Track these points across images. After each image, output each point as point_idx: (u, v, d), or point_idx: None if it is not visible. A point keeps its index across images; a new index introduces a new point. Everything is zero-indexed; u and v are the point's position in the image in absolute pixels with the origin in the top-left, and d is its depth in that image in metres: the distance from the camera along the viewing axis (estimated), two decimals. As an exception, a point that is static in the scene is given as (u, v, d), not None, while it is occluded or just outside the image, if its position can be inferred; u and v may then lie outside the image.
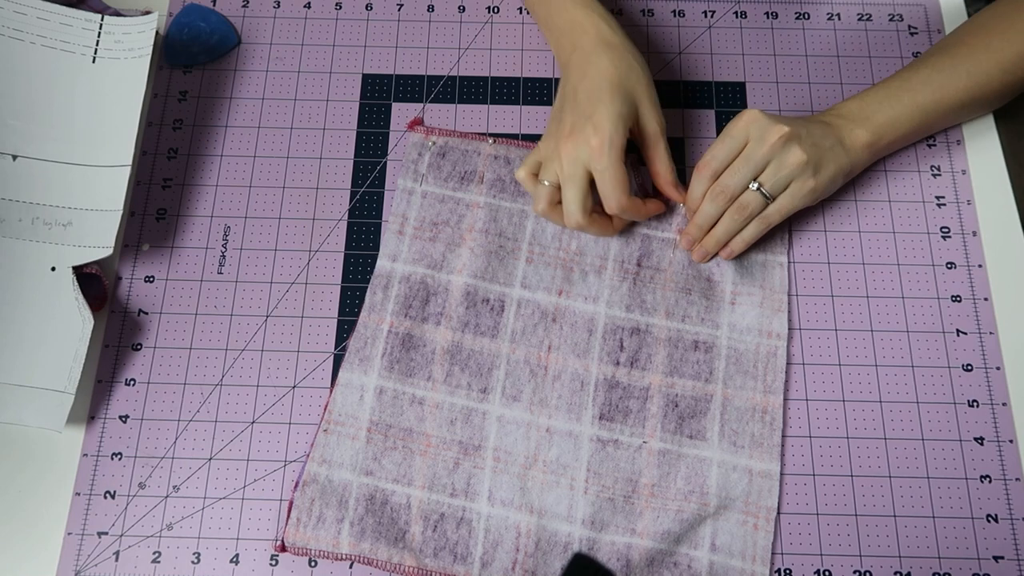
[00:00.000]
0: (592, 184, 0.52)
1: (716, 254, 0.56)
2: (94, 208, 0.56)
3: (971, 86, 0.57)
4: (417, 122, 0.62)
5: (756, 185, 0.53)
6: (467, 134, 0.61)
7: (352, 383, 0.55)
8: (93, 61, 0.60)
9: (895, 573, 0.51)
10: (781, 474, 0.53)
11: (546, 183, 0.53)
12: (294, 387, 0.55)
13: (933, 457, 0.54)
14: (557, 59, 0.60)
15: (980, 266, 0.58)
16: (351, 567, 0.51)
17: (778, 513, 0.52)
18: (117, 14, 0.64)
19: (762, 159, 0.52)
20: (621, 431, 0.53)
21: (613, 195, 0.51)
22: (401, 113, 0.63)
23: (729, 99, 0.63)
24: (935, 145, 0.62)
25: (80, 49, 0.60)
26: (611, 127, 0.50)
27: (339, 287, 0.58)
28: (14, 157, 0.57)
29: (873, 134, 0.55)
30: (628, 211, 0.53)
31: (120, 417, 0.54)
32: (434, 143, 0.61)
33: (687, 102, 0.63)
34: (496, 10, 0.67)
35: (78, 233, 0.56)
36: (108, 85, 0.59)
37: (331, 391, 0.55)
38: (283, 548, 0.51)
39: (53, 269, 0.55)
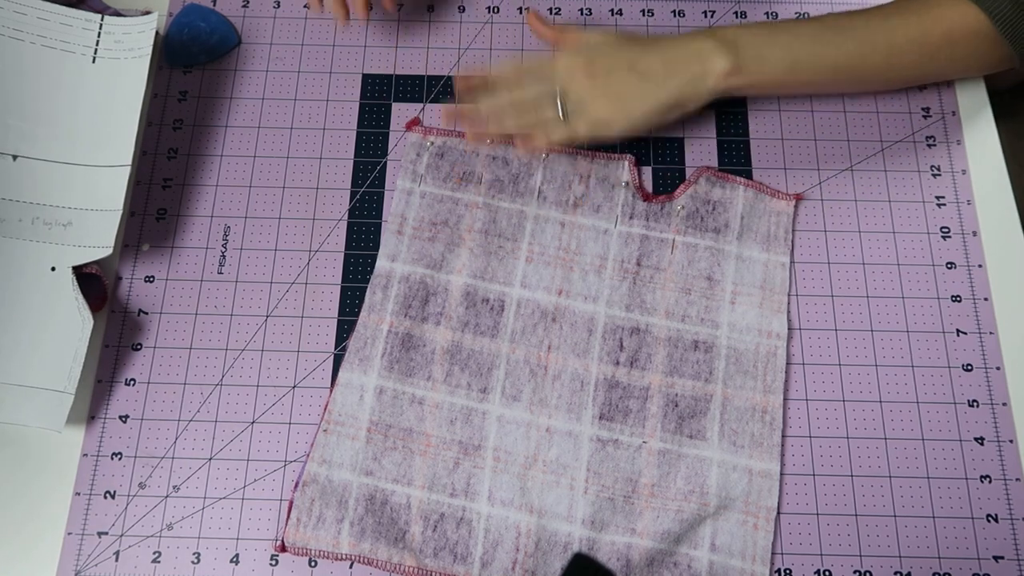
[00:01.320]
0: None
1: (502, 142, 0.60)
2: (94, 208, 0.56)
3: (854, 53, 0.56)
4: (415, 122, 0.62)
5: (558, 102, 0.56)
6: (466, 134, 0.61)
7: (352, 383, 0.55)
8: (93, 61, 0.60)
9: (895, 573, 0.51)
10: (781, 474, 0.53)
11: None
12: (294, 387, 0.55)
13: (933, 457, 0.54)
14: None
15: (980, 266, 0.58)
16: (351, 567, 0.51)
17: (778, 513, 0.52)
18: (117, 14, 0.64)
19: (561, 80, 0.56)
20: (621, 431, 0.53)
21: None
22: (401, 113, 0.63)
23: (729, 98, 0.63)
24: (935, 145, 0.62)
25: (80, 49, 0.60)
26: None
27: (339, 287, 0.58)
28: (14, 157, 0.57)
29: (734, 64, 0.54)
30: None
31: (120, 417, 0.54)
32: (432, 143, 0.61)
33: (687, 102, 0.63)
34: (496, 10, 0.67)
35: (78, 233, 0.56)
36: (108, 85, 0.59)
37: (331, 391, 0.55)
38: (283, 548, 0.51)
39: (53, 269, 0.55)
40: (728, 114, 0.63)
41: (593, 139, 0.56)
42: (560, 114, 0.56)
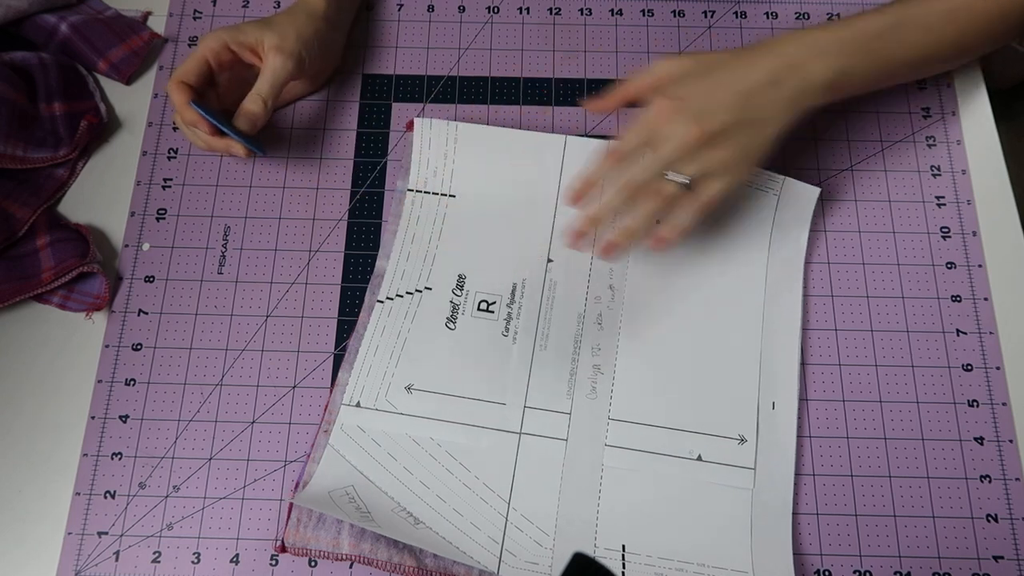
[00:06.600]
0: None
1: (624, 246, 0.51)
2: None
3: (930, 45, 0.54)
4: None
5: (672, 175, 0.49)
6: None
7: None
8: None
9: (895, 573, 0.51)
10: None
11: None
12: (294, 387, 0.55)
13: (933, 457, 0.54)
14: None
15: (980, 266, 0.58)
16: (351, 567, 0.51)
17: (778, 513, 0.52)
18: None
19: (676, 156, 0.48)
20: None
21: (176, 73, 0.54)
22: (401, 113, 0.63)
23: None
24: (935, 145, 0.62)
25: None
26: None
27: (339, 287, 0.58)
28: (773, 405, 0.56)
29: (833, 79, 0.50)
30: (174, 94, 0.53)
31: (120, 417, 0.54)
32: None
33: (687, 102, 0.63)
34: (496, 10, 0.67)
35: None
36: None
37: (331, 391, 0.55)
38: (283, 549, 0.51)
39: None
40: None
41: (722, 200, 0.50)
42: (683, 187, 0.49)
